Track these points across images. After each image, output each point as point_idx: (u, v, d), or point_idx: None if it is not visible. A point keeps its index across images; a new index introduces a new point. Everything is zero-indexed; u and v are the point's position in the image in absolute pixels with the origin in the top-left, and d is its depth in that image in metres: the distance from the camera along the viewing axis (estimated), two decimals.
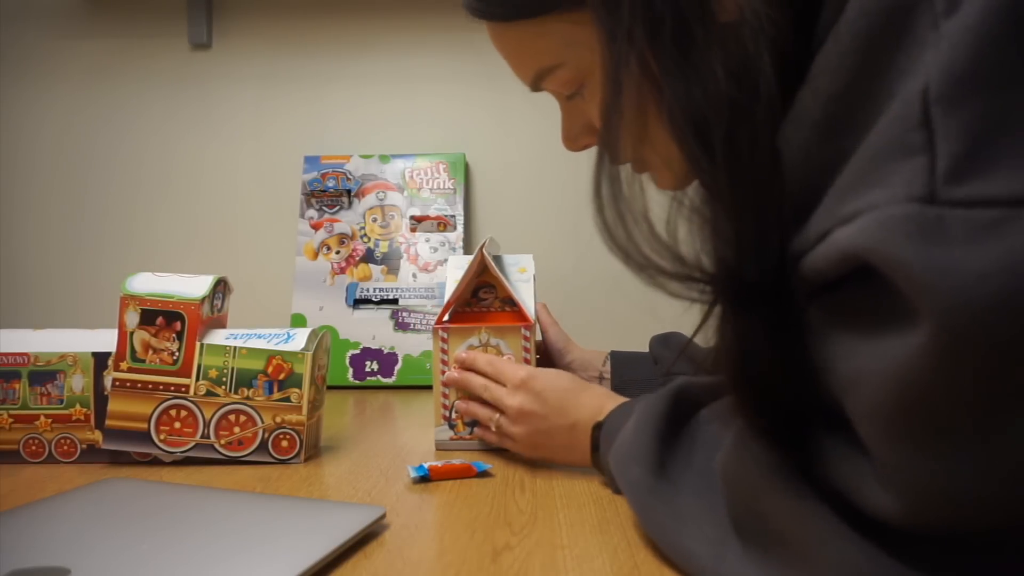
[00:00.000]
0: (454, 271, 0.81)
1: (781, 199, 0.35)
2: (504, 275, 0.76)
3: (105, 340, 0.70)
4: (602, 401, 0.62)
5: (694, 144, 0.37)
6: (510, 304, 0.77)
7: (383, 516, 0.50)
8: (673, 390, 0.50)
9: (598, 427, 0.60)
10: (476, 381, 0.70)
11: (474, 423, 0.72)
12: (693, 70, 0.37)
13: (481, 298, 0.78)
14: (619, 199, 0.43)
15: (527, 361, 0.72)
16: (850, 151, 0.31)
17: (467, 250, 1.27)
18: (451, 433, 0.73)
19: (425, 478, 0.62)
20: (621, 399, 0.61)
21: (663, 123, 0.39)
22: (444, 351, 0.73)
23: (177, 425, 0.67)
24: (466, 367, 0.71)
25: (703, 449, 0.45)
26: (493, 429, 0.68)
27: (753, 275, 0.35)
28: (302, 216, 1.27)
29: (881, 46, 0.30)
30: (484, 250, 0.74)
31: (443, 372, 0.73)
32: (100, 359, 0.69)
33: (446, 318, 0.76)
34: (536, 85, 0.51)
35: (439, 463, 0.64)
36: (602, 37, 0.41)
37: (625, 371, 0.85)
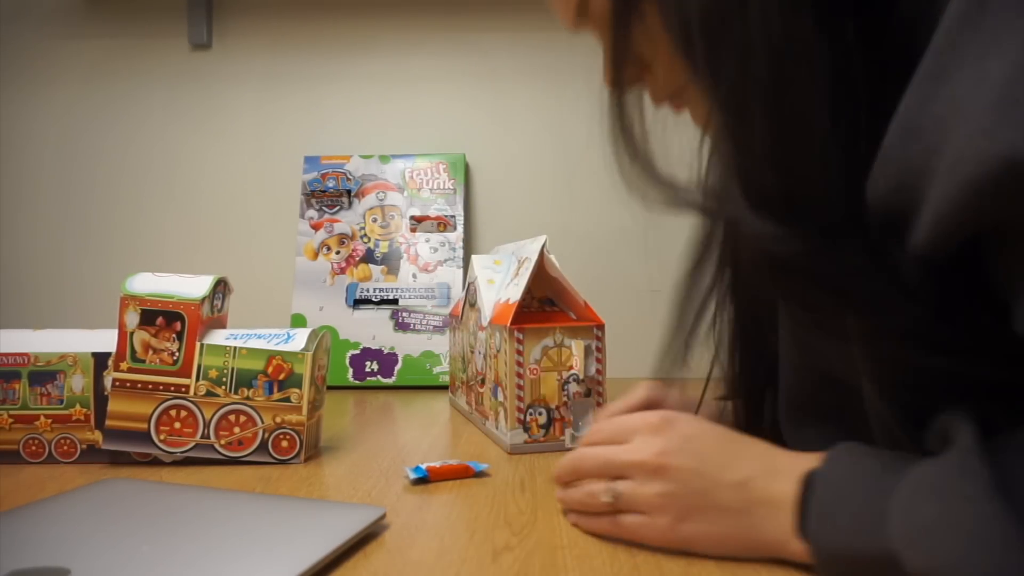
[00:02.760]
0: (483, 271, 0.81)
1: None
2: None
3: (105, 340, 0.70)
4: (772, 454, 0.44)
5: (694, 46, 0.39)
6: (549, 304, 0.77)
7: (383, 516, 0.50)
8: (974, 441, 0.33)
9: (808, 481, 0.40)
10: (590, 458, 0.49)
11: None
12: None
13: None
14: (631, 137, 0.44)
15: (599, 361, 0.71)
16: None
17: (467, 250, 1.27)
18: (525, 436, 0.72)
19: (423, 479, 0.62)
20: (791, 452, 0.44)
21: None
22: (520, 352, 0.72)
23: (177, 425, 0.67)
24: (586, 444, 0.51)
25: None
26: (605, 500, 0.47)
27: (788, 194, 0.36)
28: (302, 216, 1.27)
29: None
30: (545, 250, 0.75)
31: (518, 375, 0.72)
32: (100, 359, 0.69)
33: (487, 317, 0.76)
34: (577, 22, 0.49)
35: (437, 463, 0.64)
36: None
37: None
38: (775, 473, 0.41)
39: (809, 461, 0.41)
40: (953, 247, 0.34)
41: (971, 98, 0.31)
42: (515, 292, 0.75)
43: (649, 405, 0.59)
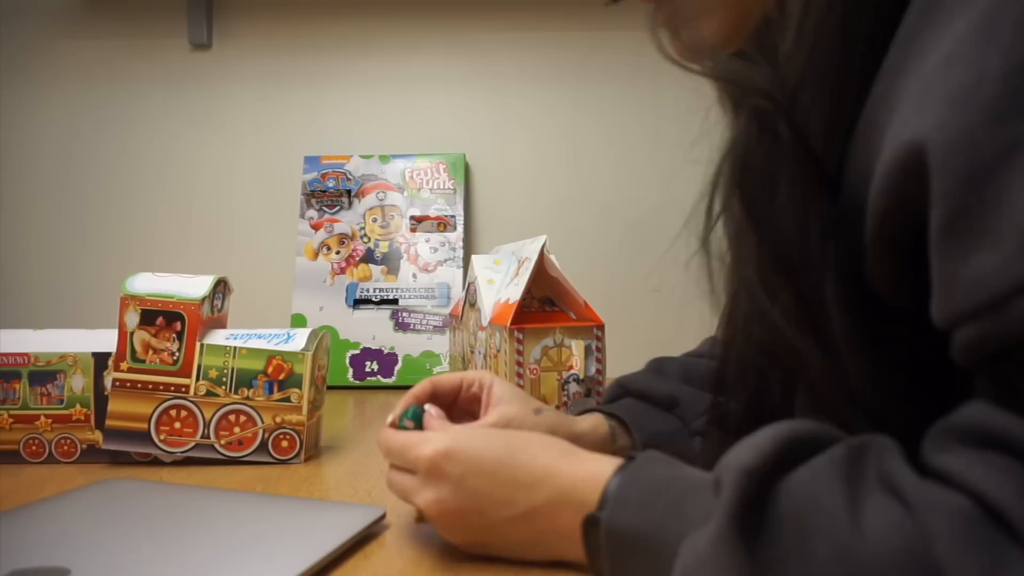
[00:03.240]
0: (483, 271, 0.81)
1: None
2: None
3: (105, 340, 0.70)
4: (553, 476, 0.40)
5: None
6: (549, 304, 0.77)
7: (383, 516, 0.50)
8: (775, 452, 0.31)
9: (594, 523, 0.38)
10: (393, 481, 0.48)
11: None
12: None
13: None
14: None
15: (599, 361, 0.71)
16: None
17: (467, 250, 1.27)
18: None
19: None
20: (587, 457, 0.42)
21: None
22: (520, 352, 0.72)
23: (177, 425, 0.67)
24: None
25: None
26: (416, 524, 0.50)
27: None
28: (302, 216, 1.27)
29: None
30: (545, 250, 0.75)
31: (518, 375, 0.72)
32: (100, 359, 0.69)
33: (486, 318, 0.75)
34: None
35: None
36: None
37: (647, 422, 0.60)
38: (559, 504, 0.39)
39: (593, 483, 0.39)
40: (888, 247, 0.33)
41: (905, 91, 0.32)
42: (515, 292, 0.75)
43: (435, 394, 0.57)
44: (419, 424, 0.50)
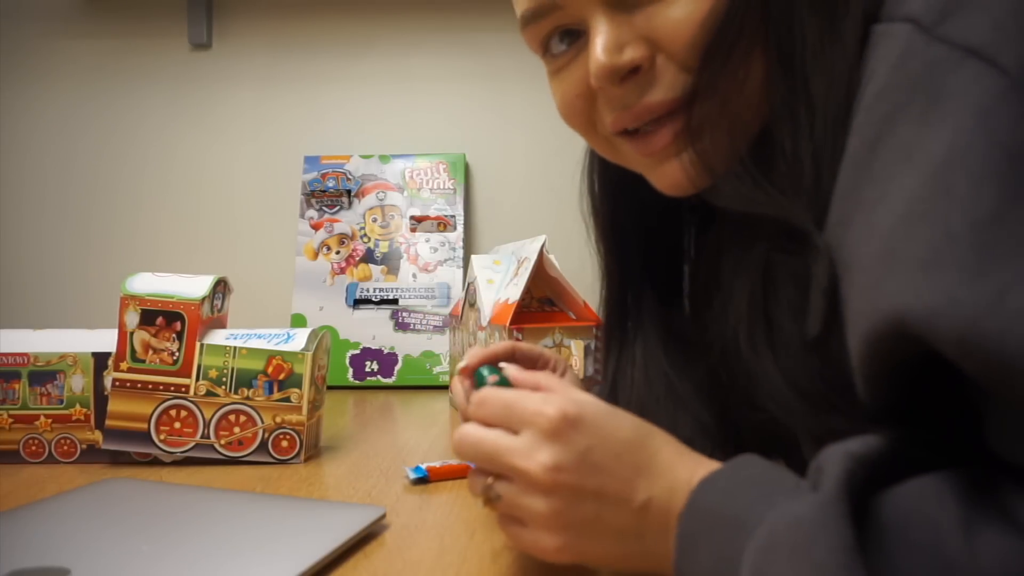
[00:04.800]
0: (483, 271, 0.81)
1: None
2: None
3: (105, 340, 0.70)
4: (674, 465, 0.38)
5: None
6: (549, 303, 0.77)
7: (383, 516, 0.50)
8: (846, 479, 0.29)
9: (679, 519, 0.35)
10: (480, 440, 0.40)
11: None
12: None
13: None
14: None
15: (599, 361, 0.71)
16: None
17: (467, 250, 1.27)
18: None
19: (424, 479, 0.62)
20: (703, 459, 0.38)
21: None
22: None
23: (177, 425, 0.67)
24: (471, 417, 0.42)
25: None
26: (482, 506, 0.40)
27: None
28: (302, 216, 1.27)
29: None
30: (545, 250, 0.75)
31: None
32: (100, 359, 0.69)
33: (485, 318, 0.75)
34: None
35: (437, 463, 0.64)
36: None
37: None
38: (672, 493, 0.36)
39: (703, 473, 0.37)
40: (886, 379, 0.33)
41: (862, 251, 0.32)
42: (515, 292, 0.75)
43: (514, 357, 0.51)
44: (504, 382, 0.43)
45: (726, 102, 0.41)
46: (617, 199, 0.56)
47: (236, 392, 0.67)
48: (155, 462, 0.68)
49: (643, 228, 0.56)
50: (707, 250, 0.51)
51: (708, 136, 0.42)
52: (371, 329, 1.20)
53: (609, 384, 0.57)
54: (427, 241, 1.25)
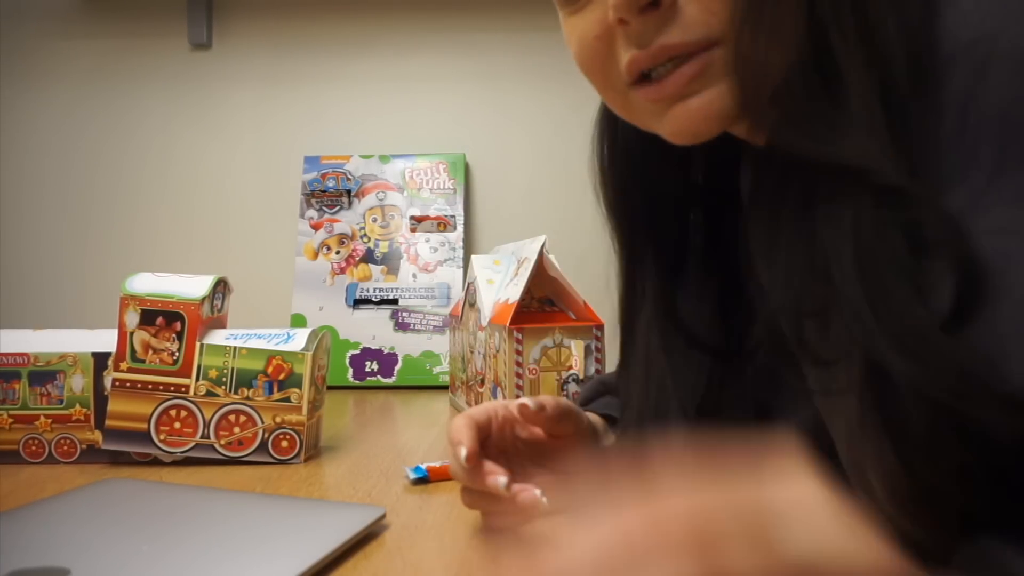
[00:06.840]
0: (483, 271, 0.81)
1: None
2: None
3: (105, 340, 0.70)
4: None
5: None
6: (549, 304, 0.77)
7: (383, 516, 0.50)
8: None
9: None
10: None
11: None
12: None
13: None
14: None
15: (599, 362, 0.71)
16: None
17: (467, 250, 1.27)
18: None
19: (424, 479, 0.62)
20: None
21: None
22: (519, 352, 0.72)
23: (177, 425, 0.67)
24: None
25: None
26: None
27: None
28: (302, 216, 1.27)
29: None
30: (545, 250, 0.75)
31: (518, 375, 0.72)
32: (100, 359, 0.69)
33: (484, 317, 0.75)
34: None
35: (437, 463, 0.64)
36: None
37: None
38: None
39: None
40: None
41: (1012, 269, 0.28)
42: (515, 292, 0.75)
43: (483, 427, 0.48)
44: None
45: (774, 30, 0.36)
46: (626, 164, 0.55)
47: (236, 392, 0.67)
48: (155, 462, 0.68)
49: (651, 198, 0.55)
50: (753, 220, 0.43)
51: (743, 71, 0.38)
52: (371, 329, 1.20)
53: (620, 369, 0.56)
54: (427, 241, 1.25)
